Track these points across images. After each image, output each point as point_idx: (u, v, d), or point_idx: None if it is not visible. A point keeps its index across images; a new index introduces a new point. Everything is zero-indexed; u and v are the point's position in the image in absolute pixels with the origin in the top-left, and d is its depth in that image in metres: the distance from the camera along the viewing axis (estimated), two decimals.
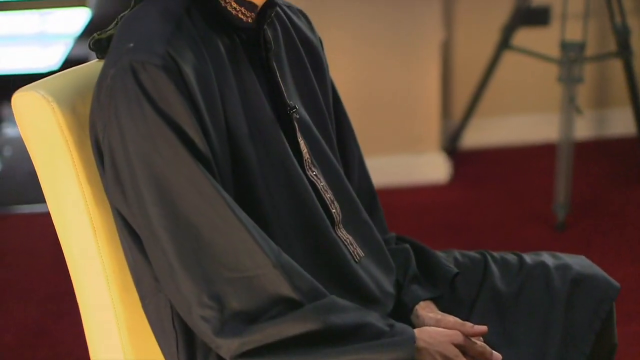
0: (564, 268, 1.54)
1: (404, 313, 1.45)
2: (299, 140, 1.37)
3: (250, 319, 1.22)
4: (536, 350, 1.44)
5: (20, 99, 1.29)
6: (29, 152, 1.33)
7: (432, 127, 3.66)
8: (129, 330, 1.36)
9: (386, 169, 3.65)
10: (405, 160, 3.68)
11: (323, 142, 1.44)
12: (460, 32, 3.92)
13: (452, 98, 4.02)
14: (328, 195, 1.39)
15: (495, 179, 3.73)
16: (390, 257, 1.49)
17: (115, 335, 1.36)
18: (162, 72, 1.18)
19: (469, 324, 1.36)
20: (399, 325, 1.29)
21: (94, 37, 1.36)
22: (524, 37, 3.73)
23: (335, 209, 1.40)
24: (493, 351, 1.34)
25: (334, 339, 1.24)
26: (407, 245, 1.53)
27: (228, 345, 1.21)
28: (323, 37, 3.89)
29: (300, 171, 1.35)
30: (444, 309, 1.48)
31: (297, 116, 1.37)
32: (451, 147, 3.94)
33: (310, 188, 1.36)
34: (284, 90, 1.36)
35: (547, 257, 1.57)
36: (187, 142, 1.19)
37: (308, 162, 1.38)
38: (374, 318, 1.29)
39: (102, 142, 1.25)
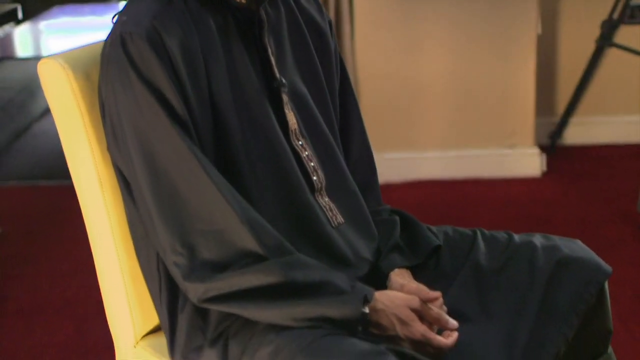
0: (552, 249, 1.58)
1: (380, 278, 1.54)
2: (286, 112, 1.48)
3: (218, 268, 1.34)
4: (509, 325, 1.49)
5: (43, 67, 1.47)
6: (53, 115, 1.51)
7: (526, 122, 3.67)
8: (130, 273, 1.53)
9: (479, 160, 3.70)
10: (499, 153, 3.71)
11: (319, 116, 1.54)
12: (566, 28, 3.90)
13: (555, 94, 4.01)
14: (312, 164, 1.50)
15: (588, 177, 3.71)
16: (375, 226, 1.58)
17: (119, 277, 1.53)
18: (146, 43, 1.33)
19: (425, 290, 1.43)
20: (361, 286, 1.38)
21: (117, 14, 1.52)
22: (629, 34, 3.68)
23: (317, 177, 1.50)
24: (449, 319, 1.41)
25: (294, 294, 1.34)
26: (396, 217, 1.62)
27: (195, 290, 1.35)
28: (420, 30, 3.97)
29: (284, 140, 1.47)
30: (428, 279, 1.55)
31: (286, 90, 1.48)
32: (551, 143, 3.93)
33: (291, 156, 1.47)
34: (274, 66, 1.47)
35: (537, 238, 1.61)
36: (166, 106, 1.34)
37: (295, 132, 1.49)
38: (338, 278, 1.38)
39: (105, 104, 1.41)
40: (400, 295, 1.41)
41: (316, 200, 1.49)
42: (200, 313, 1.41)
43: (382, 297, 1.39)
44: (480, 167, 3.70)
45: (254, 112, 1.44)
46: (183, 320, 1.43)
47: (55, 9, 8.21)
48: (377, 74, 3.63)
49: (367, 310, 1.36)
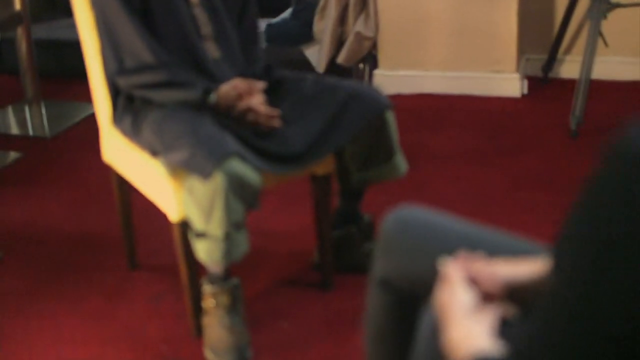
0: (352, 88, 2.57)
1: None
2: None
3: (134, 72, 2.46)
4: (310, 127, 2.51)
5: None
6: None
7: (509, 53, 4.53)
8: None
9: (470, 81, 4.61)
10: (486, 76, 4.60)
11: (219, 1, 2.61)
12: None
13: (549, 35, 4.82)
14: (204, 22, 2.56)
15: (558, 100, 4.53)
16: (245, 63, 2.64)
17: (100, 81, 2.68)
18: None
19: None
20: (213, 86, 2.46)
21: None
22: None
23: (206, 30, 2.57)
24: (257, 83, 2.46)
25: (173, 87, 2.44)
26: (263, 64, 2.67)
27: (120, 81, 2.49)
28: None
29: (186, 8, 2.54)
30: (276, 97, 2.59)
31: None
32: (543, 75, 4.75)
33: (189, 18, 2.54)
34: None
35: (349, 82, 2.62)
36: None
37: (196, 5, 2.56)
38: (201, 82, 2.47)
39: None
40: (233, 83, 2.45)
41: (203, 44, 2.57)
42: (128, 98, 2.55)
43: (223, 87, 2.45)
44: (471, 86, 4.61)
45: None
46: (120, 102, 2.57)
47: None
48: (393, 5, 4.60)
49: (211, 99, 2.42)
